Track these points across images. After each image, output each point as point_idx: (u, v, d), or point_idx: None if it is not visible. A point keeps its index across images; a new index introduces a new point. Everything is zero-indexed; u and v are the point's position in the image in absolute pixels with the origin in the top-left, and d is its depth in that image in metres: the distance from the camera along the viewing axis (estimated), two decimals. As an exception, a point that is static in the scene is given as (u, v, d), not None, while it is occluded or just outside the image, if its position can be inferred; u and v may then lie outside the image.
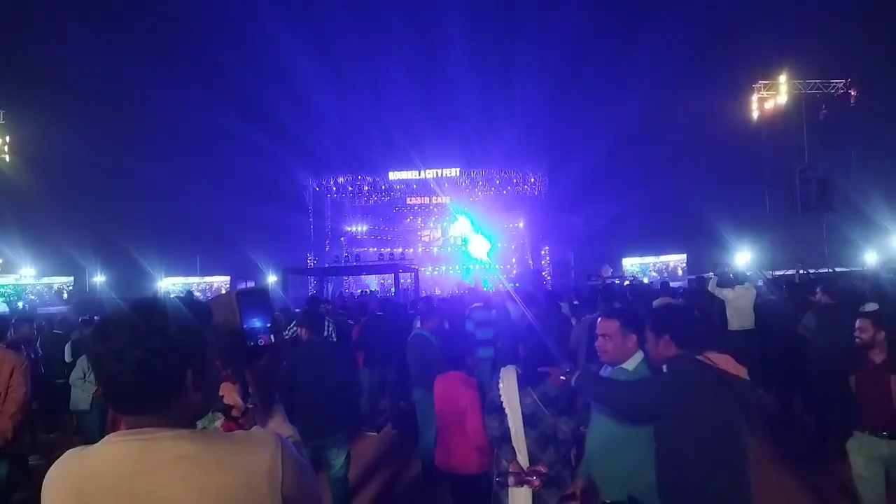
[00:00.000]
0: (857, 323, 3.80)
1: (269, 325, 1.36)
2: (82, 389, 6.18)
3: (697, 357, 2.54)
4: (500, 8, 40.57)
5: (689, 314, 2.93)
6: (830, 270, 14.54)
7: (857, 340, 3.79)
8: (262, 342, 1.34)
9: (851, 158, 21.68)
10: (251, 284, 25.29)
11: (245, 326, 1.32)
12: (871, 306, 7.13)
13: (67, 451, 1.14)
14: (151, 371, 1.07)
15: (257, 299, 1.38)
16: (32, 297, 24.39)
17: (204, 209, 30.51)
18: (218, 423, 1.45)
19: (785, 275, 15.97)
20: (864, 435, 3.73)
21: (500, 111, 35.00)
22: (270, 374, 1.41)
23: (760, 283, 9.38)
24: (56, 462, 1.13)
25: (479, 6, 36.68)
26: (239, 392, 1.44)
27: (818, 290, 6.60)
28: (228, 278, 28.92)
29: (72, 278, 26.77)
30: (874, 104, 21.40)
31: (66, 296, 24.95)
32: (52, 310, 17.20)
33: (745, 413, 2.50)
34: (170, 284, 27.51)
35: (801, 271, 13.79)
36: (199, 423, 1.23)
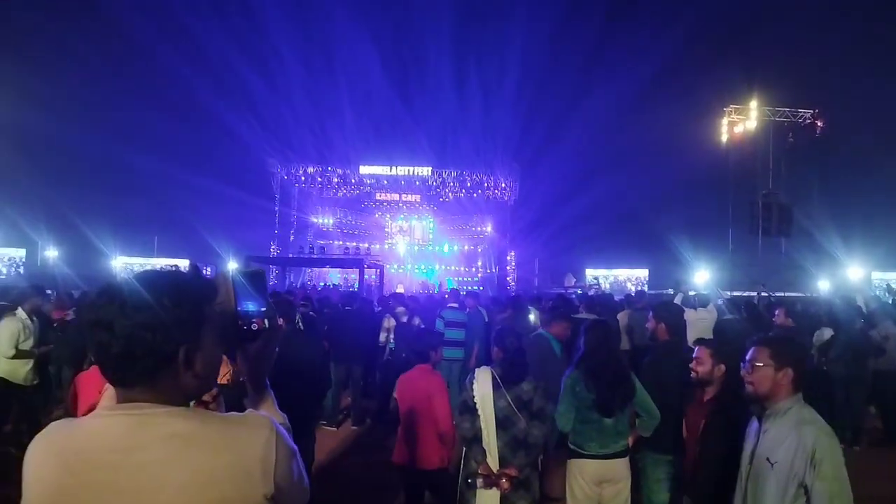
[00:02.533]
0: (695, 352, 3.27)
1: (263, 308, 1.33)
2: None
3: None
4: (481, 16, 40.63)
5: None
6: (783, 294, 15.05)
7: (692, 375, 3.23)
8: (255, 326, 1.31)
9: (813, 188, 22.47)
10: (212, 269, 24.82)
11: (239, 309, 1.29)
12: (827, 332, 7.43)
13: (52, 423, 1.11)
14: (140, 344, 1.04)
15: (253, 282, 1.34)
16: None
17: (165, 189, 29.72)
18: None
19: (741, 296, 16.48)
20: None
21: (475, 116, 35.08)
22: (263, 359, 1.38)
23: (720, 301, 9.66)
24: (39, 435, 1.09)
25: (459, 9, 36.69)
26: None
27: (778, 312, 6.82)
28: (188, 261, 28.25)
29: (24, 251, 25.90)
30: (839, 137, 22.27)
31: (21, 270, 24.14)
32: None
33: None
34: (124, 264, 26.74)
35: (762, 293, 14.21)
36: None
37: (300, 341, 4.58)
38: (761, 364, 2.49)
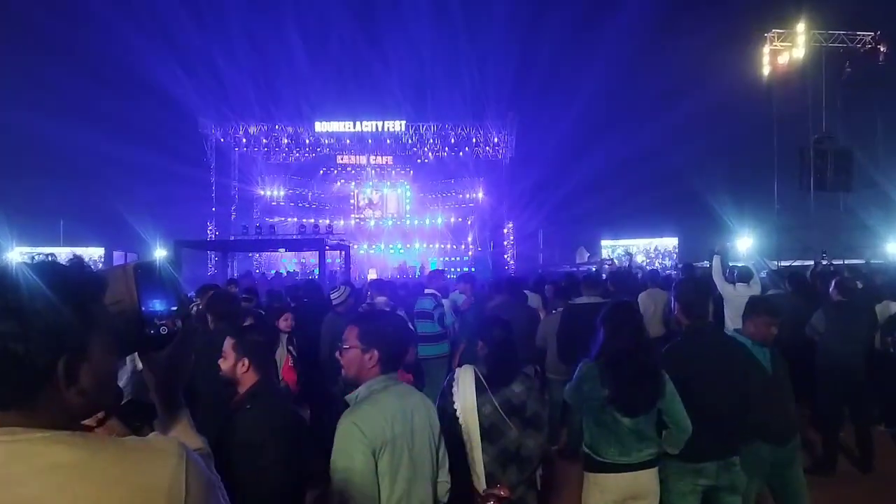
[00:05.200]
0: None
1: (174, 308, 1.35)
2: None
3: None
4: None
5: None
6: (843, 262, 15.14)
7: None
8: (164, 330, 1.32)
9: (877, 128, 22.52)
10: (133, 257, 24.61)
11: (143, 309, 1.30)
12: (894, 306, 7.51)
13: None
14: (6, 359, 1.04)
15: (160, 276, 1.36)
16: None
17: (71, 160, 29.32)
18: None
19: (792, 266, 16.62)
20: None
21: (459, 52, 34.73)
22: (175, 370, 1.39)
23: (764, 274, 9.72)
24: None
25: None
26: None
27: (833, 284, 6.89)
28: (103, 250, 27.99)
29: None
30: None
31: None
32: None
33: None
34: (21, 255, 26.41)
35: (823, 262, 14.19)
36: None
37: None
38: (348, 346, 2.74)
